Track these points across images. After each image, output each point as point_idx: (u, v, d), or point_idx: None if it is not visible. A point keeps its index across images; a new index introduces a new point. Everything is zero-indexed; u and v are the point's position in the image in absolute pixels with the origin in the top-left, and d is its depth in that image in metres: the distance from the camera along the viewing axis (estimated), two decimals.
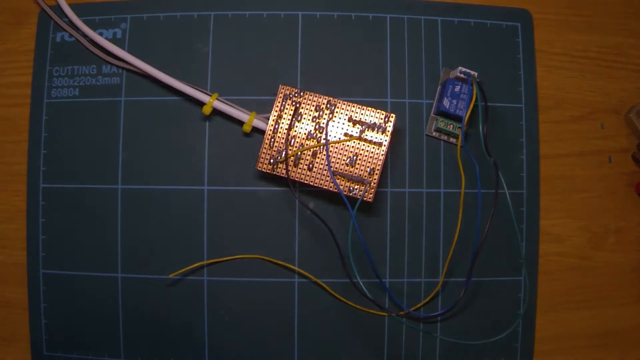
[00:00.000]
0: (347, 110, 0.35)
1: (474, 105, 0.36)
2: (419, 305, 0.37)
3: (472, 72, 0.36)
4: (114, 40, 0.38)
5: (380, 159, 0.35)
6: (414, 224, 0.38)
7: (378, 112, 0.35)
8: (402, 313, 0.37)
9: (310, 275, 0.36)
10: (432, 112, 0.38)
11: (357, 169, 0.35)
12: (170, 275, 0.37)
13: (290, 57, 0.38)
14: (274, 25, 0.39)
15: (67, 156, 0.38)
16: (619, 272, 0.39)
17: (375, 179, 0.34)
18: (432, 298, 0.37)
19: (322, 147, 0.35)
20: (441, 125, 0.37)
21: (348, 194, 0.34)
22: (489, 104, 0.38)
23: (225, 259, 0.37)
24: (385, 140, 0.35)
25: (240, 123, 0.37)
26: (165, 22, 0.39)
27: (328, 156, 0.34)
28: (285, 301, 0.37)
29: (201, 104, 0.37)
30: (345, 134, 0.35)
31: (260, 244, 0.38)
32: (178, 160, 0.38)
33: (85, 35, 0.38)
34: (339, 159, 0.35)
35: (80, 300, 0.38)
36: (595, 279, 0.39)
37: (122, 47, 0.38)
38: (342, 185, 0.35)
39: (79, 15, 0.38)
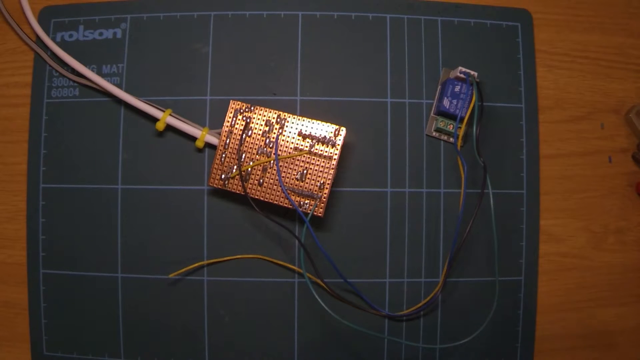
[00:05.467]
0: (297, 124, 0.35)
1: (474, 105, 0.36)
2: (419, 305, 0.37)
3: (472, 72, 0.36)
4: (114, 40, 0.38)
5: (331, 173, 0.34)
6: (414, 224, 0.38)
7: (328, 126, 0.35)
8: (402, 312, 0.37)
9: (310, 275, 0.36)
10: (432, 112, 0.38)
11: (307, 183, 0.35)
12: (170, 275, 0.37)
13: (290, 57, 0.38)
14: (274, 25, 0.39)
15: (67, 156, 0.38)
16: (619, 272, 0.39)
17: (325, 194, 0.34)
18: (431, 298, 0.37)
19: (272, 162, 0.35)
20: (441, 125, 0.37)
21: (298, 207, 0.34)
22: (489, 104, 0.38)
23: (225, 259, 0.37)
24: (335, 154, 0.35)
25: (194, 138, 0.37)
26: (165, 22, 0.39)
27: (279, 171, 0.34)
28: (285, 301, 0.37)
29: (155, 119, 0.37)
30: (295, 148, 0.35)
31: (260, 244, 0.38)
32: (178, 160, 0.38)
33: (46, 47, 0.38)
34: (289, 173, 0.35)
35: (80, 300, 0.38)
36: (595, 279, 0.39)
37: (122, 47, 0.38)
38: (292, 199, 0.34)
39: (79, 15, 0.38)
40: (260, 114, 0.35)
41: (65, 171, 0.38)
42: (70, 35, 0.39)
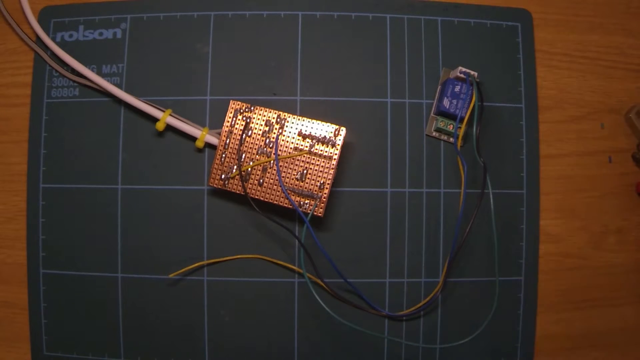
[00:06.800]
0: (297, 124, 0.35)
1: (474, 105, 0.36)
2: (419, 305, 0.37)
3: (472, 72, 0.36)
4: (114, 40, 0.38)
5: (331, 173, 0.34)
6: (414, 224, 0.38)
7: (328, 126, 0.35)
8: (401, 312, 0.37)
9: (310, 276, 0.36)
10: (432, 112, 0.38)
11: (307, 183, 0.34)
12: (170, 275, 0.37)
13: (290, 57, 0.38)
14: (274, 25, 0.39)
15: (67, 156, 0.38)
16: (619, 272, 0.39)
17: (325, 194, 0.34)
18: (431, 298, 0.37)
19: (272, 162, 0.35)
20: (441, 125, 0.37)
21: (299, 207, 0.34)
22: (489, 104, 0.38)
23: (225, 259, 0.37)
24: (335, 154, 0.35)
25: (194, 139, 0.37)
26: (165, 22, 0.39)
27: (279, 171, 0.34)
28: (285, 301, 0.37)
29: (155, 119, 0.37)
30: (295, 148, 0.35)
31: (260, 244, 0.38)
32: (178, 160, 0.38)
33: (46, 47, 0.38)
34: (289, 173, 0.35)
35: (80, 300, 0.38)
36: (595, 279, 0.39)
37: (122, 47, 0.38)
38: (292, 199, 0.34)
39: (79, 15, 0.39)
40: (260, 114, 0.35)
41: (65, 171, 0.38)
42: (70, 35, 0.39)
